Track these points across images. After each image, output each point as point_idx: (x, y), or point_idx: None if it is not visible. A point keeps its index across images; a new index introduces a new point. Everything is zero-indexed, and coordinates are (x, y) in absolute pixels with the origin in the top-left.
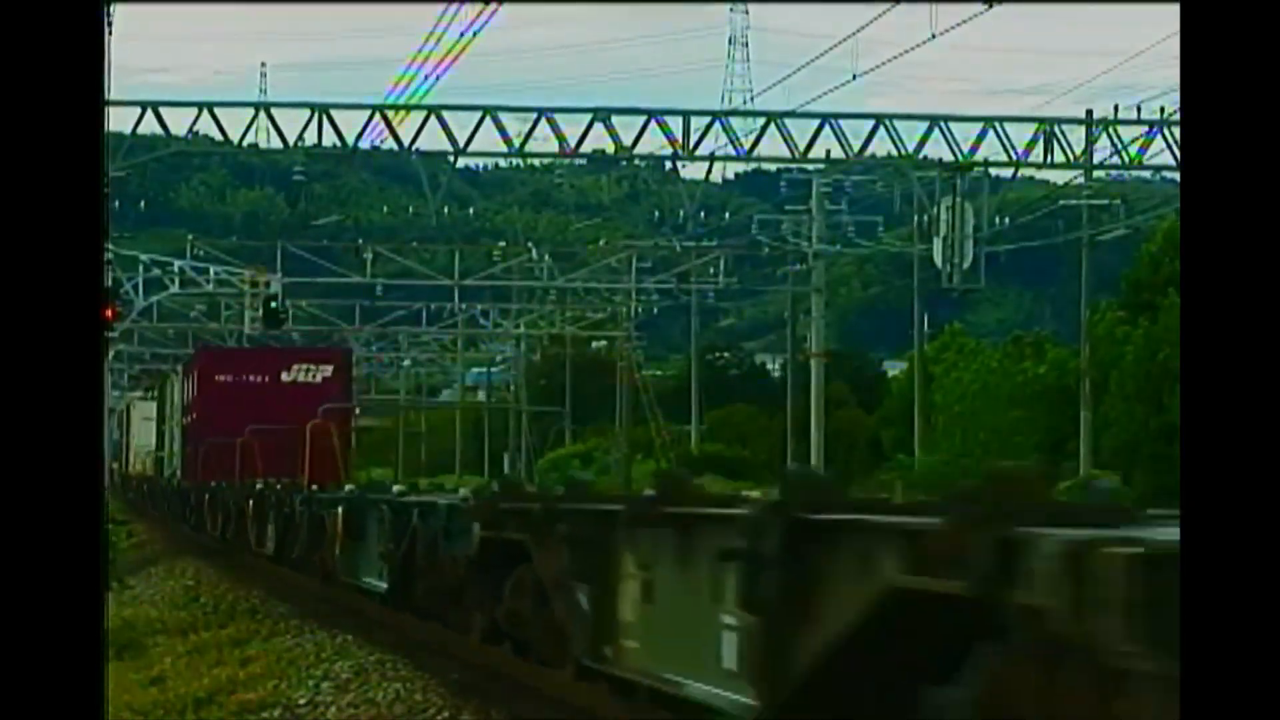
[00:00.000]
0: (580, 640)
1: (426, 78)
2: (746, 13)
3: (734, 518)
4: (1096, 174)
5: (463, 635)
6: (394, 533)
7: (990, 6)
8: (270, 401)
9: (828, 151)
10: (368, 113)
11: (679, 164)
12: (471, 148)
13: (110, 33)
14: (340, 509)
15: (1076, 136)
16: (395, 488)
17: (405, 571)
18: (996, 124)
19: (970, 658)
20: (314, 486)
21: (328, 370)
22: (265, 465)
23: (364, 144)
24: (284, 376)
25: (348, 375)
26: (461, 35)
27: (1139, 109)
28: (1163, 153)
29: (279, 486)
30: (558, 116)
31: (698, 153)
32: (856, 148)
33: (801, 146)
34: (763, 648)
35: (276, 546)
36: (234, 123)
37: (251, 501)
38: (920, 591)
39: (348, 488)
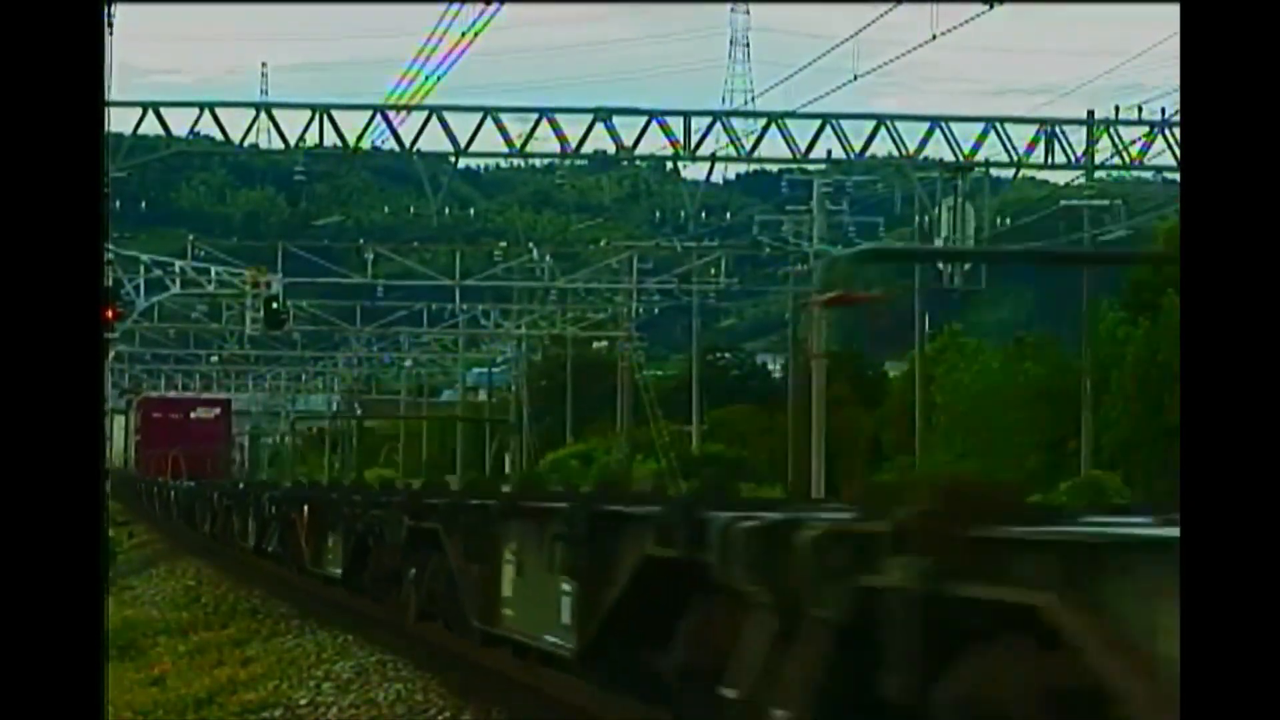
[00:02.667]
0: (476, 612)
1: (428, 76)
2: (747, 13)
3: (559, 510)
4: (1098, 174)
5: (403, 612)
6: (347, 525)
7: (991, 7)
8: (183, 430)
9: (829, 152)
10: (368, 113)
11: (680, 164)
12: (472, 148)
13: (111, 33)
14: (305, 506)
15: (1078, 137)
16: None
17: (356, 559)
18: (997, 124)
19: (689, 602)
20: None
21: (217, 411)
22: (186, 466)
23: (365, 144)
24: (192, 415)
25: (228, 415)
26: (463, 34)
27: (1140, 109)
28: (1164, 153)
29: (256, 487)
30: (559, 117)
31: (699, 153)
32: (858, 148)
33: (803, 147)
34: (579, 603)
35: (256, 540)
36: (235, 123)
37: (233, 500)
38: (660, 558)
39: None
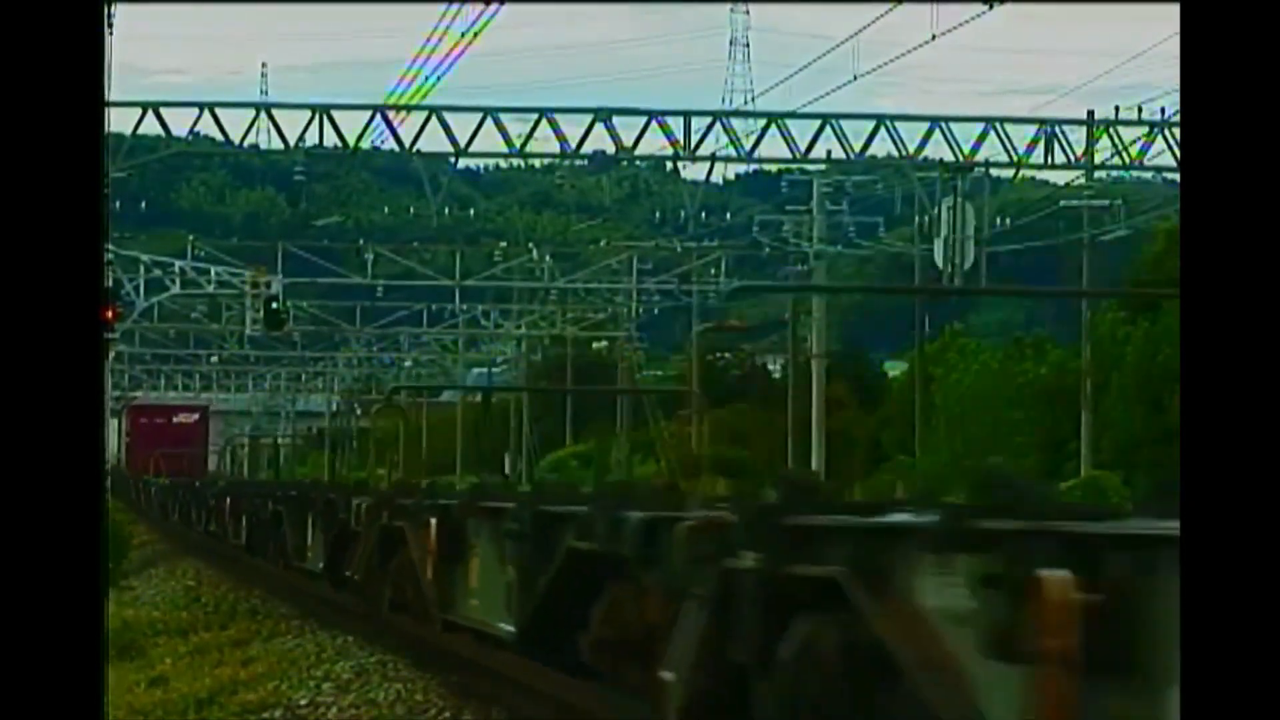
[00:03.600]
0: (436, 601)
1: (428, 77)
2: (747, 13)
3: (508, 510)
4: (1097, 174)
5: (377, 604)
6: (327, 523)
7: (991, 7)
8: (166, 433)
9: (828, 152)
10: (368, 113)
11: (680, 164)
12: (472, 148)
13: (111, 33)
14: (284, 506)
15: (1077, 137)
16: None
17: (335, 554)
18: (997, 124)
19: (604, 590)
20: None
21: (195, 417)
22: (166, 466)
23: (365, 145)
24: (173, 420)
25: (205, 420)
26: (463, 34)
27: (1140, 109)
28: (1164, 153)
29: (247, 488)
30: (558, 117)
31: (699, 153)
32: (857, 148)
33: (803, 147)
34: (519, 590)
35: (247, 539)
36: (235, 123)
37: (228, 501)
38: (582, 550)
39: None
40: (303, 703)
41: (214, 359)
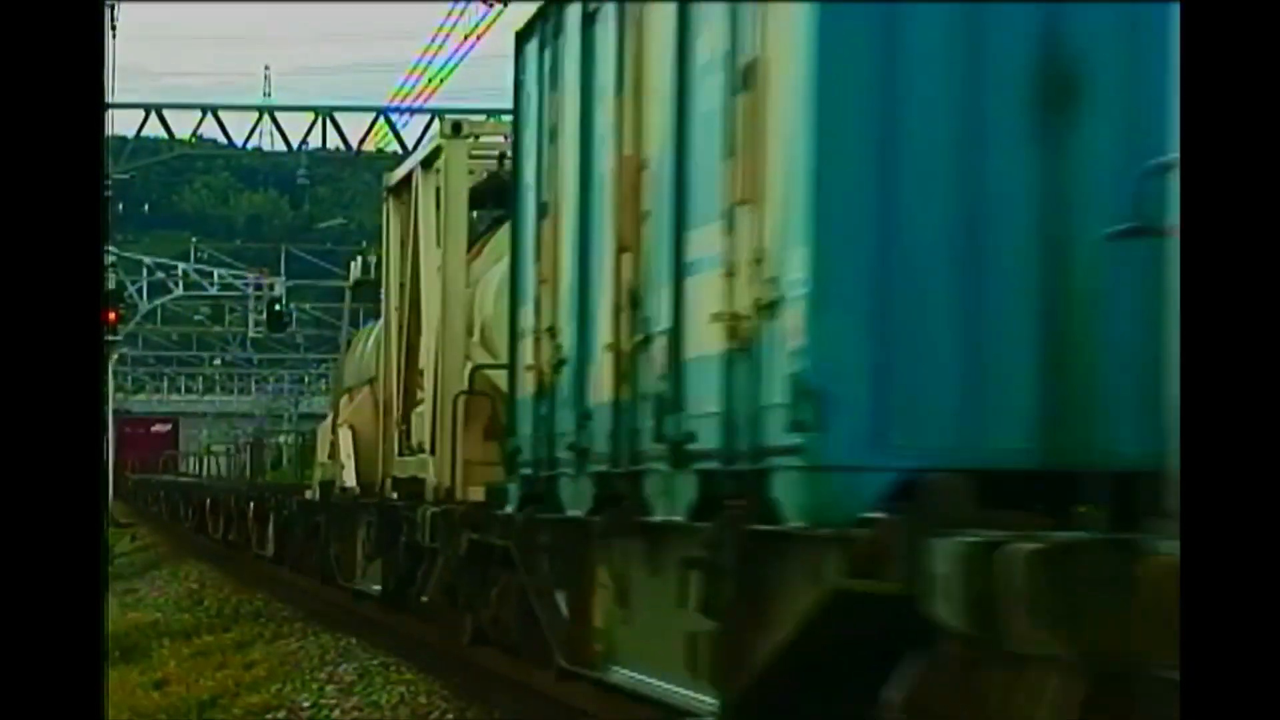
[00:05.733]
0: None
1: (431, 79)
2: None
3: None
4: None
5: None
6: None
7: None
8: (144, 439)
9: None
10: (371, 116)
11: None
12: None
13: (114, 34)
14: (251, 503)
15: None
16: None
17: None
18: None
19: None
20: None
21: (168, 427)
22: (142, 464)
23: (368, 147)
24: (152, 429)
25: (176, 429)
26: (466, 36)
27: None
28: None
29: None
30: None
31: None
32: None
33: None
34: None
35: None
36: (237, 126)
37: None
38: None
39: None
40: (306, 705)
41: (216, 361)
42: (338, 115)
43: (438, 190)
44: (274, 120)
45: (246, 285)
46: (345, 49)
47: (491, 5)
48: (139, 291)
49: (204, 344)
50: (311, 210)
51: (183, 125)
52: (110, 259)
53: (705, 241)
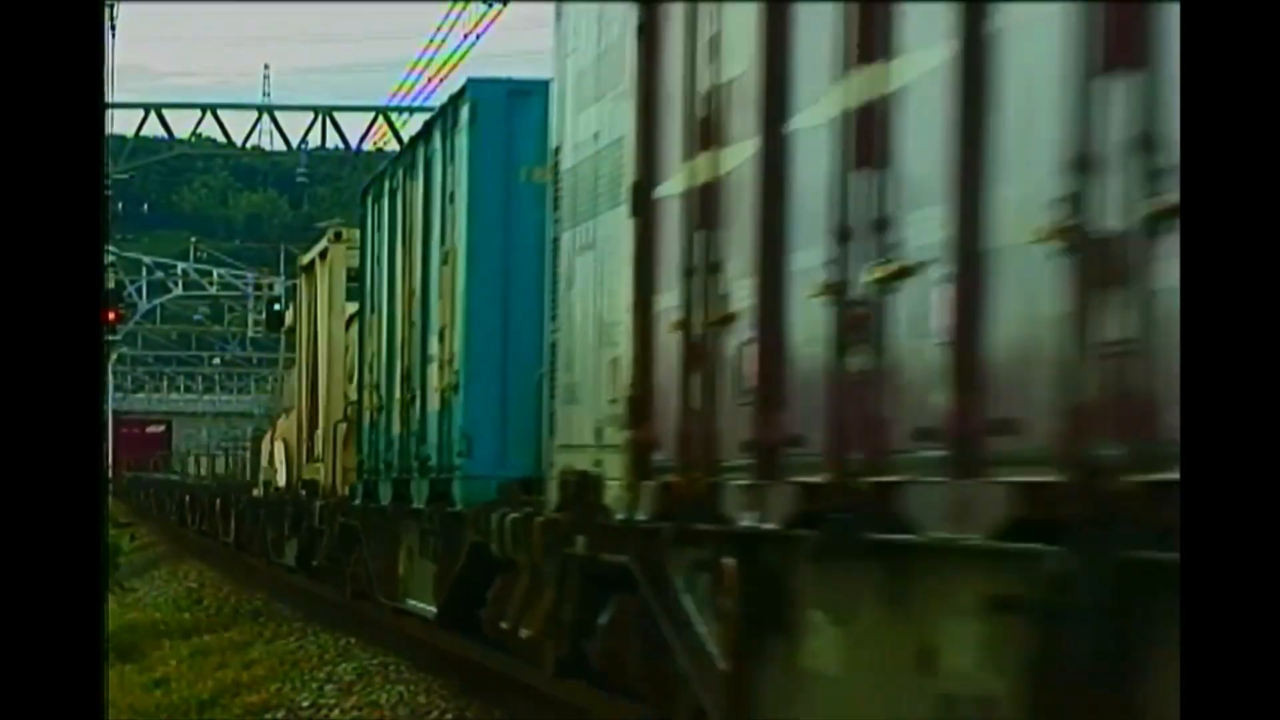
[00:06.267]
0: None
1: (425, 88)
2: None
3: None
4: None
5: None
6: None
7: None
8: (139, 439)
9: None
10: (370, 115)
11: None
12: None
13: (114, 34)
14: (218, 499)
15: None
16: None
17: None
18: None
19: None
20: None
21: (161, 428)
22: (136, 463)
23: (367, 146)
24: (146, 430)
25: (169, 430)
26: (466, 35)
27: None
28: None
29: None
30: None
31: None
32: None
33: None
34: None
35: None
36: (237, 125)
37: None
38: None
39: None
40: (305, 704)
41: (215, 361)
42: (337, 115)
43: (330, 275)
44: (274, 120)
45: (246, 285)
46: (345, 49)
47: (491, 4)
48: (138, 291)
49: (203, 343)
50: (311, 210)
51: (182, 125)
52: (110, 258)
53: (437, 346)
